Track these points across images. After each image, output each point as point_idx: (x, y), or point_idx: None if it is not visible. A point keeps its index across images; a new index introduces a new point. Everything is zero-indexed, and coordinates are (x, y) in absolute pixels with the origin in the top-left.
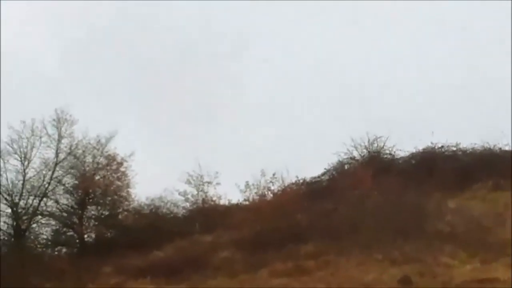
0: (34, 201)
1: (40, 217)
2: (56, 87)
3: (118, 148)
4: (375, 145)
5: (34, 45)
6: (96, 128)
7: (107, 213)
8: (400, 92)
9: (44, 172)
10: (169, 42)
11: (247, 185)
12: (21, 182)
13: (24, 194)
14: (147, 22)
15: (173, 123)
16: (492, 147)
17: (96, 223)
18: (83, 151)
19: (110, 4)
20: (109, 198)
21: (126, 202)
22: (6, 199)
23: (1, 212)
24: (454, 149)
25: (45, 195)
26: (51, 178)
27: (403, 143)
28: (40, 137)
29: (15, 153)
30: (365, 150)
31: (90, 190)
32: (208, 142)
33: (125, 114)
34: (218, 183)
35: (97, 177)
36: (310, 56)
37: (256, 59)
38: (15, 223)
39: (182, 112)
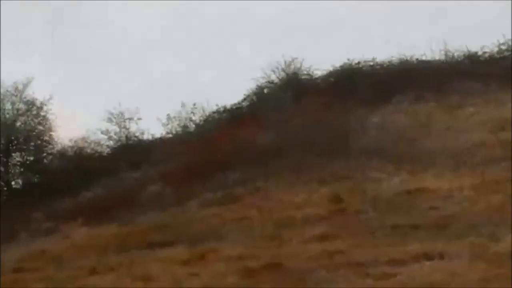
0: None
1: None
2: None
3: (36, 93)
4: (292, 66)
5: None
6: (12, 75)
7: (32, 158)
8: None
9: None
10: None
11: (168, 118)
12: None
13: None
14: None
15: (90, 62)
16: (409, 58)
17: (22, 169)
18: (2, 99)
19: None
20: (33, 144)
21: (50, 146)
22: None
23: None
24: (371, 64)
25: None
26: None
27: (320, 63)
28: None
29: None
30: (283, 73)
31: (13, 137)
32: (127, 78)
33: (40, 58)
34: (139, 119)
35: (18, 124)
36: None
37: None
38: None
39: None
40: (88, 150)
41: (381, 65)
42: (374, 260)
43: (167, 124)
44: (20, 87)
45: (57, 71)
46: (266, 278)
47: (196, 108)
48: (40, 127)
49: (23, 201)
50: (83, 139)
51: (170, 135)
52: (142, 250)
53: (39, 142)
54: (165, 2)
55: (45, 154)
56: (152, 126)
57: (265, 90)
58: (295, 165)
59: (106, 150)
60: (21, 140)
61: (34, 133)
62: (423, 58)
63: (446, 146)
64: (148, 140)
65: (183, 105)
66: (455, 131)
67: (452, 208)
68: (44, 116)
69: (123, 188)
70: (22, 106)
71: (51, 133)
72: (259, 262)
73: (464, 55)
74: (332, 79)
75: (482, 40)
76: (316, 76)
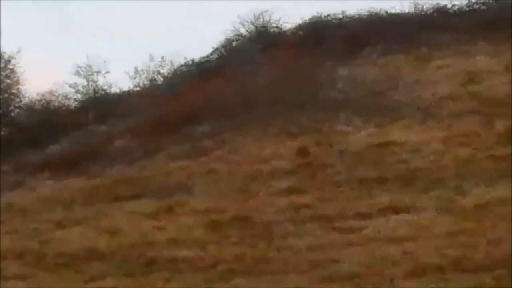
0: None
1: None
2: None
3: (4, 46)
4: (261, 19)
5: None
6: None
7: None
8: None
9: None
10: None
11: (136, 71)
12: None
13: None
14: None
15: (58, 16)
16: (378, 11)
17: None
18: None
19: None
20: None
21: (17, 99)
22: None
23: None
24: (341, 16)
25: None
26: None
27: (289, 16)
28: None
29: None
30: (251, 26)
31: None
32: (94, 31)
33: (7, 11)
34: (107, 72)
35: None
36: None
37: None
38: None
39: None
40: (56, 104)
41: (350, 18)
42: (341, 213)
43: (135, 78)
44: None
45: (25, 24)
46: (233, 231)
47: (164, 61)
48: (8, 81)
49: None
50: (51, 92)
51: (138, 89)
52: (109, 203)
53: (6, 95)
54: None
55: (12, 107)
56: (120, 80)
57: (234, 43)
58: (263, 118)
59: (73, 104)
60: None
61: (2, 86)
62: (392, 11)
63: (414, 99)
64: (115, 93)
65: (151, 58)
66: (423, 84)
67: (419, 162)
68: (12, 70)
69: (91, 142)
70: None
71: (19, 86)
72: (226, 215)
73: (433, 8)
74: (301, 32)
75: None
76: (285, 29)
